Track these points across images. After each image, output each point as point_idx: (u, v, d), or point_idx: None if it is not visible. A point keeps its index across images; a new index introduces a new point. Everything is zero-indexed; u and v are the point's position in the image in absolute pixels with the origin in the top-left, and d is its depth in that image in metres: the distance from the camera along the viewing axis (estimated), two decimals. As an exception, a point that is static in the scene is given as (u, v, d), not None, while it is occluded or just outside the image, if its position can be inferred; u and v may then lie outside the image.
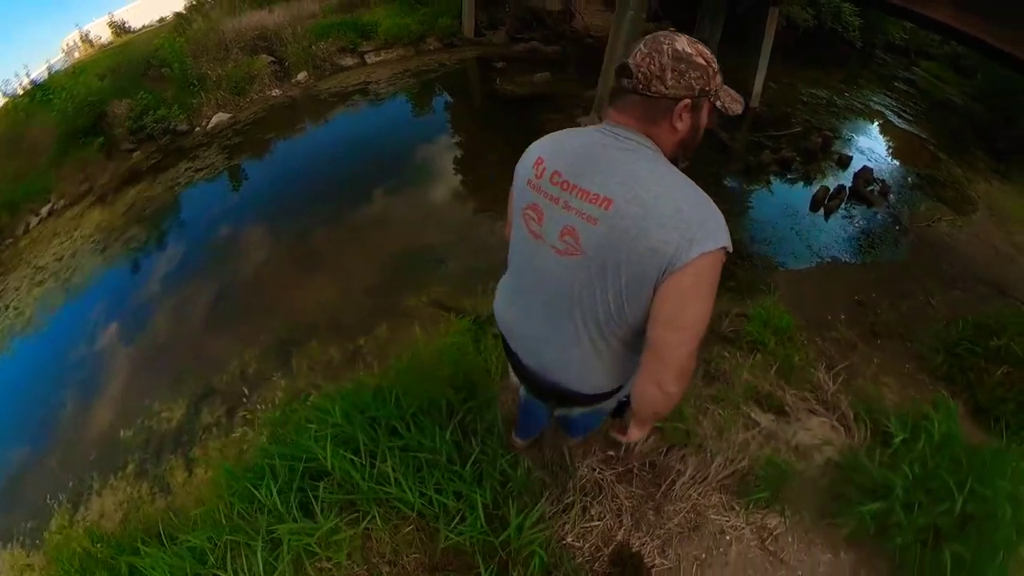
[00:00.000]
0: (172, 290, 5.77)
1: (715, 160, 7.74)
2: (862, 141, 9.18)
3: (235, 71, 9.62)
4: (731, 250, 1.02)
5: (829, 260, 6.01)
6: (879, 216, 6.96)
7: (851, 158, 8.17)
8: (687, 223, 1.00)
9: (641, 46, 1.07)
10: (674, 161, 1.13)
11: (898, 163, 8.79)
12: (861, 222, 6.81)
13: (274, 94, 9.89)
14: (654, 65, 1.04)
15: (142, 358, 5.03)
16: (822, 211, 6.90)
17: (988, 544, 1.82)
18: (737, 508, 2.13)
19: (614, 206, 1.04)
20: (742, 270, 5.54)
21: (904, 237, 6.62)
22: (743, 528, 2.08)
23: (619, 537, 2.02)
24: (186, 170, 8.16)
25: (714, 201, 1.05)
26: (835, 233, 6.51)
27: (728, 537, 2.06)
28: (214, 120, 9.15)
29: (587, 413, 1.47)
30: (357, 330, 4.82)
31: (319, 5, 11.39)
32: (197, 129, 9.16)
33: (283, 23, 10.41)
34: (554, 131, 1.26)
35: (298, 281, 5.55)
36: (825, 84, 11.56)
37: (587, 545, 2.00)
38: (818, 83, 11.42)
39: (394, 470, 1.94)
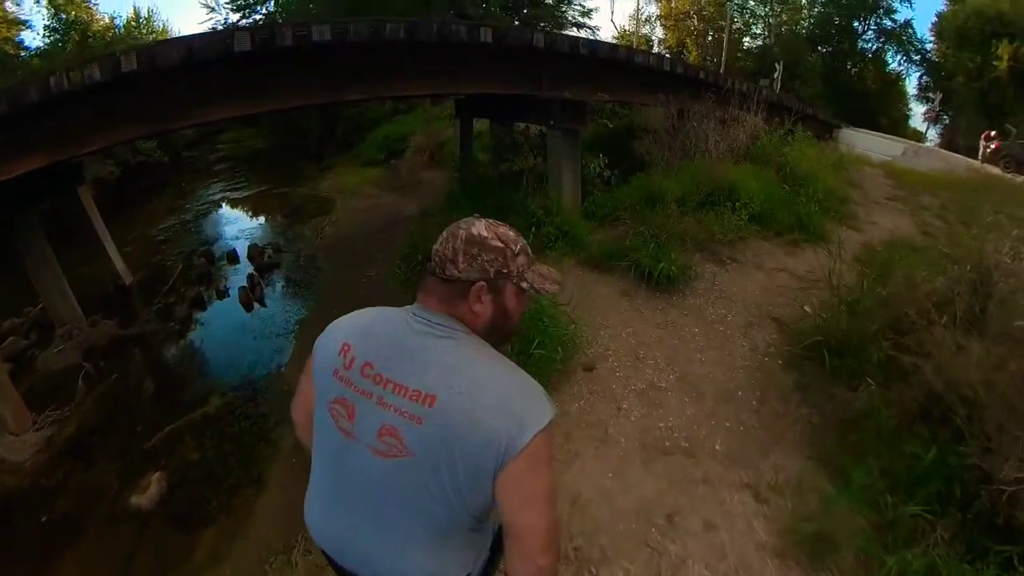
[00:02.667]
0: None
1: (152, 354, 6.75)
2: (230, 228, 9.68)
3: None
4: (555, 417, 1.01)
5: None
6: (288, 264, 7.58)
7: (235, 249, 8.48)
8: (515, 408, 0.99)
9: (444, 232, 1.09)
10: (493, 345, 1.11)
11: (264, 218, 9.72)
12: (285, 281, 7.29)
13: None
14: (447, 249, 1.07)
15: None
16: (256, 304, 6.96)
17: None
18: None
19: (439, 402, 0.99)
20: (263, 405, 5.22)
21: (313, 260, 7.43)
22: None
23: None
24: None
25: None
26: (280, 305, 6.74)
27: None
28: None
29: None
30: None
31: None
32: None
33: None
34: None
35: None
36: (167, 209, 11.50)
37: None
38: (162, 214, 11.24)
39: None
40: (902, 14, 25.74)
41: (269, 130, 14.72)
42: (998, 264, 3.34)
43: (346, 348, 1.11)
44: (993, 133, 16.12)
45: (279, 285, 7.36)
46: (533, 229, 4.70)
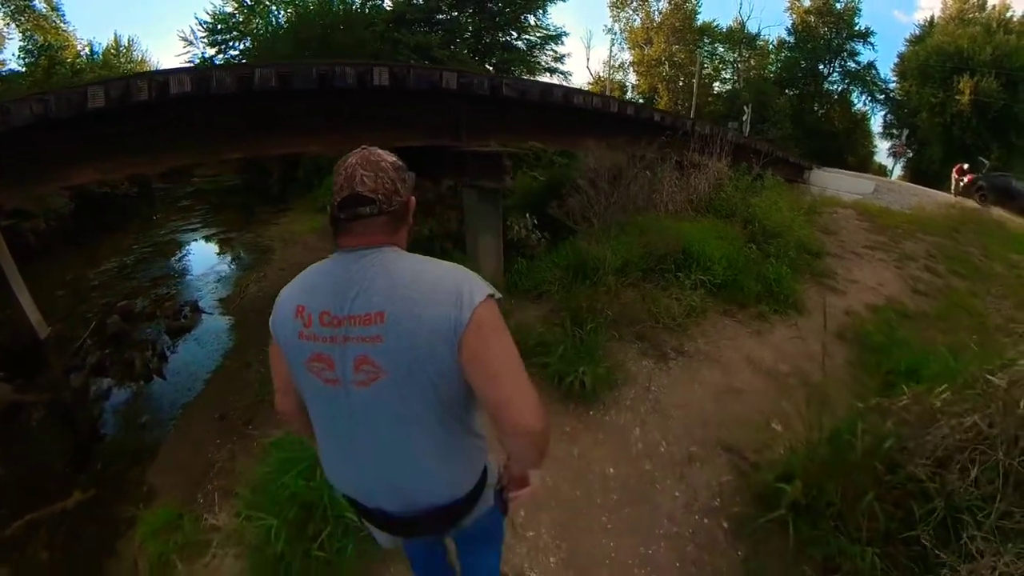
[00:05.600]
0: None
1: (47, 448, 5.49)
2: (161, 277, 8.49)
3: None
4: (499, 295, 1.02)
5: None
6: (201, 328, 6.39)
7: (155, 306, 7.25)
8: (448, 292, 0.98)
9: (361, 171, 1.02)
10: None
11: (199, 267, 8.58)
12: (192, 349, 6.10)
13: None
14: (387, 183, 1.03)
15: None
16: (155, 376, 5.74)
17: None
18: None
19: (388, 314, 0.99)
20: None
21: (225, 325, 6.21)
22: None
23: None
24: None
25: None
26: (176, 381, 5.53)
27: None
28: None
29: (478, 520, 1.28)
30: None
31: None
32: None
33: None
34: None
35: None
36: (114, 250, 10.09)
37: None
38: (107, 255, 9.81)
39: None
40: (865, 56, 25.47)
41: (240, 168, 13.81)
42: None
43: (300, 310, 1.06)
44: (966, 166, 15.18)
45: (185, 354, 6.13)
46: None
